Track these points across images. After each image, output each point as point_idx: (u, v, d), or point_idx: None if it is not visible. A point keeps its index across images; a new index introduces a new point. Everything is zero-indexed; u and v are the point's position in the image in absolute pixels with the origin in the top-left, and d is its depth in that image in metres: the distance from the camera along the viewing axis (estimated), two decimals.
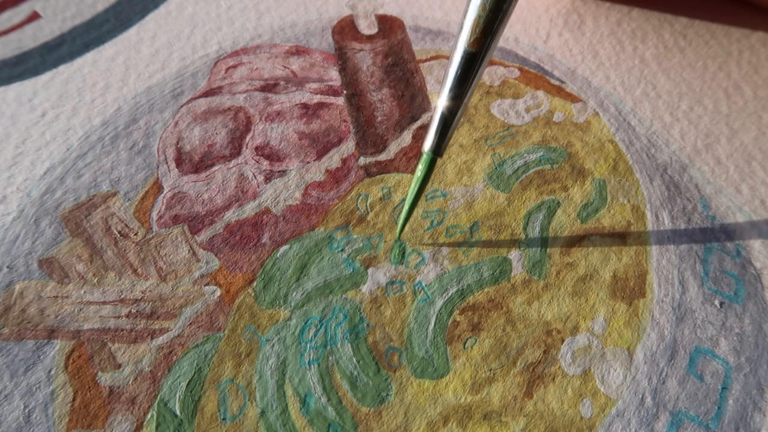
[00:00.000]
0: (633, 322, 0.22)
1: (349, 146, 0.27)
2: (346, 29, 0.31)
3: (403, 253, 0.23)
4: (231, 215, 0.24)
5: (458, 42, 0.20)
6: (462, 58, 0.20)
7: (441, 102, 0.21)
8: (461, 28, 0.20)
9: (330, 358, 0.21)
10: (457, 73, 0.20)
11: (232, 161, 0.26)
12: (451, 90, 0.20)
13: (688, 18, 0.33)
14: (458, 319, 0.22)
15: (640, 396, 0.21)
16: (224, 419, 0.20)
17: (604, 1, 0.33)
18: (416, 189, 0.22)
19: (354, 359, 0.21)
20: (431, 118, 0.21)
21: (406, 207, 0.22)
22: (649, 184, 0.26)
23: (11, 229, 0.24)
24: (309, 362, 0.21)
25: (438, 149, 0.21)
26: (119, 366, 0.21)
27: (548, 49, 0.31)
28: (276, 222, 0.24)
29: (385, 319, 0.22)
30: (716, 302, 0.23)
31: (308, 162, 0.26)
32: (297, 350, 0.21)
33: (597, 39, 0.31)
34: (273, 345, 0.21)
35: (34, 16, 0.32)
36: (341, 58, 0.30)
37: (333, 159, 0.26)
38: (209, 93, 0.28)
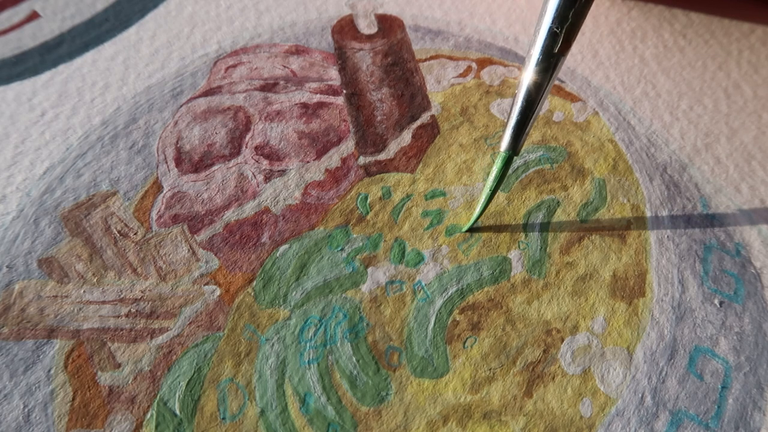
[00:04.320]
0: (633, 321, 0.22)
1: (348, 146, 0.27)
2: (345, 29, 0.31)
3: (403, 252, 0.23)
4: (230, 215, 0.24)
5: (542, 23, 0.19)
6: (547, 37, 0.19)
7: (522, 92, 0.20)
8: (544, 10, 0.20)
9: (330, 357, 0.21)
10: (541, 51, 0.19)
11: (232, 161, 0.26)
12: (534, 75, 0.20)
13: (688, 16, 0.33)
14: (458, 319, 0.22)
15: (640, 395, 0.21)
16: (224, 419, 0.20)
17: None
18: (494, 185, 0.22)
19: (354, 358, 0.21)
20: (508, 114, 0.21)
21: (483, 202, 0.23)
22: (648, 183, 0.26)
23: (11, 229, 0.24)
24: (308, 361, 0.21)
25: (515, 147, 0.21)
26: (119, 365, 0.21)
27: None
28: (276, 221, 0.24)
29: (385, 319, 0.22)
30: (716, 301, 0.23)
31: (308, 161, 0.26)
32: (296, 350, 0.21)
33: (596, 38, 0.31)
34: (272, 344, 0.21)
35: (33, 16, 0.32)
36: (341, 58, 0.30)
37: (333, 158, 0.26)
38: (209, 92, 0.28)
